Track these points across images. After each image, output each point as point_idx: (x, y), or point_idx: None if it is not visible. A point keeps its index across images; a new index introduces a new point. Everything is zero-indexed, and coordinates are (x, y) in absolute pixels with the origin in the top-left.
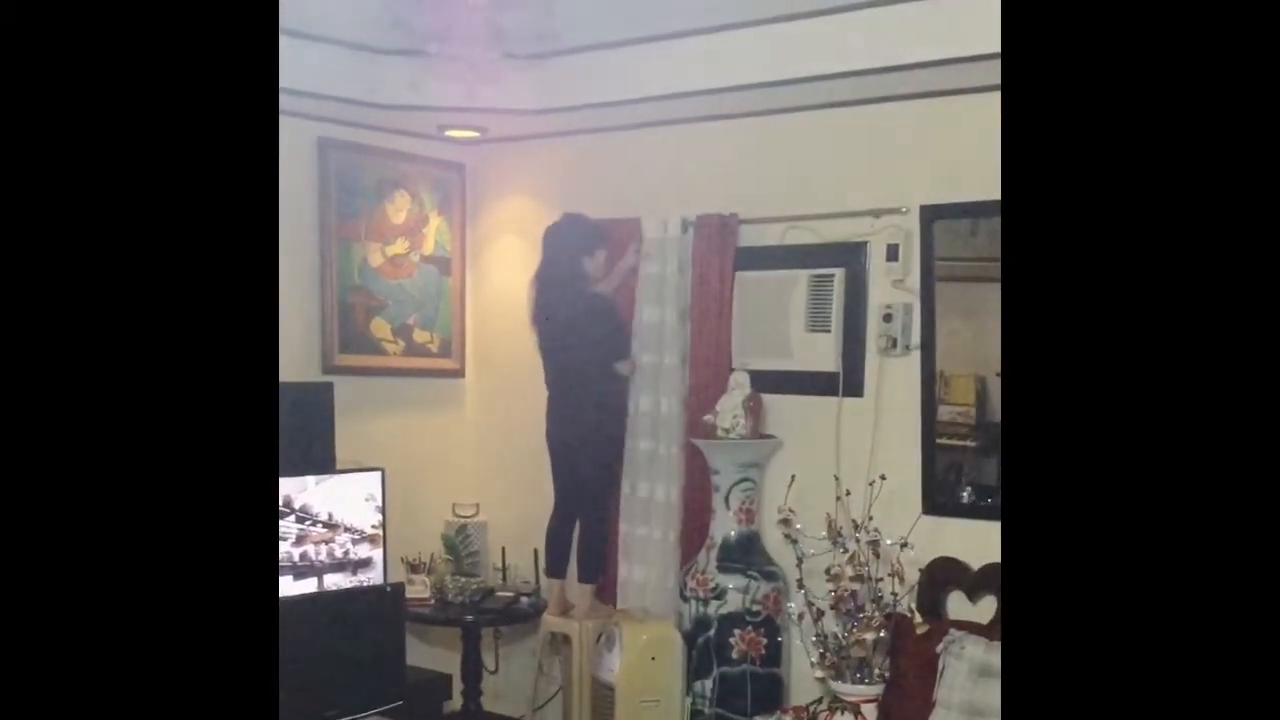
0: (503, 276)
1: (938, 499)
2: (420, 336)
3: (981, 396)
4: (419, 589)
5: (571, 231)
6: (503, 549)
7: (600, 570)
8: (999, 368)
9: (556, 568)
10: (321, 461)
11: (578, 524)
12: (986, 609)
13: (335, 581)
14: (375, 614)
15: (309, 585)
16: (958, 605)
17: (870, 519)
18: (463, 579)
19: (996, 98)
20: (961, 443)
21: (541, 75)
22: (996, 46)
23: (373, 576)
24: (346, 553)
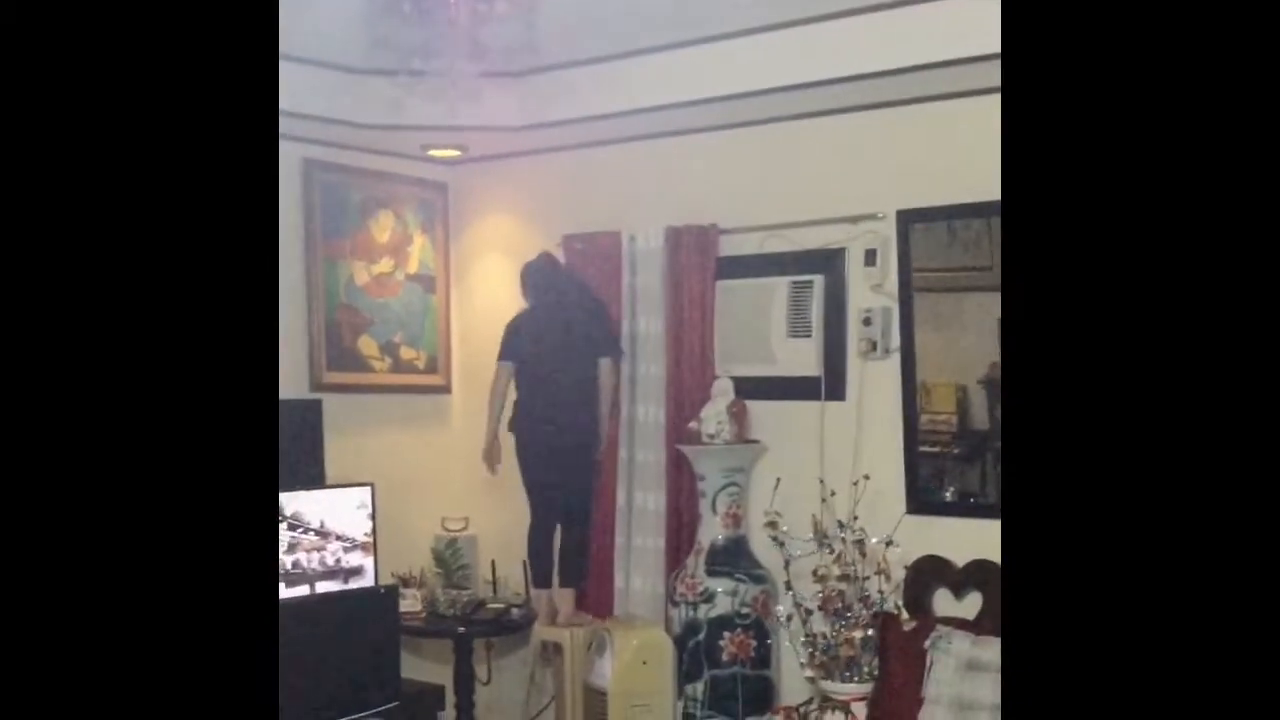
0: (487, 294)
1: (921, 498)
2: (407, 354)
3: (963, 405)
4: (410, 602)
5: (548, 267)
6: (492, 561)
7: (582, 575)
8: (979, 375)
9: (542, 578)
10: (311, 478)
11: (558, 530)
12: (972, 605)
13: (327, 589)
14: (369, 616)
15: (301, 591)
16: (943, 602)
17: (856, 519)
18: (453, 592)
19: (969, 103)
20: (944, 450)
21: (522, 92)
22: (968, 52)
23: (364, 584)
24: (338, 560)
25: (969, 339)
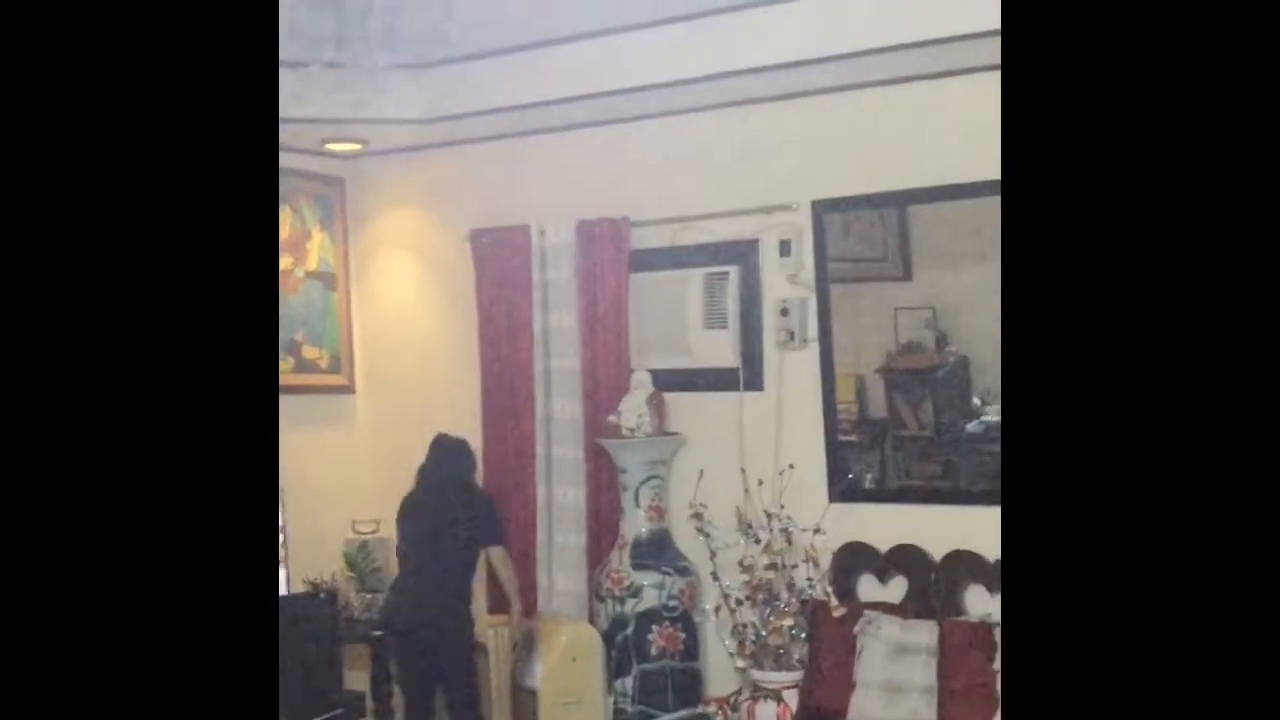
0: (389, 291)
1: (841, 486)
2: (309, 353)
3: (861, 395)
4: None
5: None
6: None
7: None
8: (876, 365)
9: None
10: None
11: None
12: (897, 589)
13: None
14: (308, 622)
15: None
16: (868, 588)
17: (782, 508)
18: (368, 595)
19: (880, 92)
20: (847, 438)
21: (428, 84)
22: (881, 41)
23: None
24: None
25: (866, 329)
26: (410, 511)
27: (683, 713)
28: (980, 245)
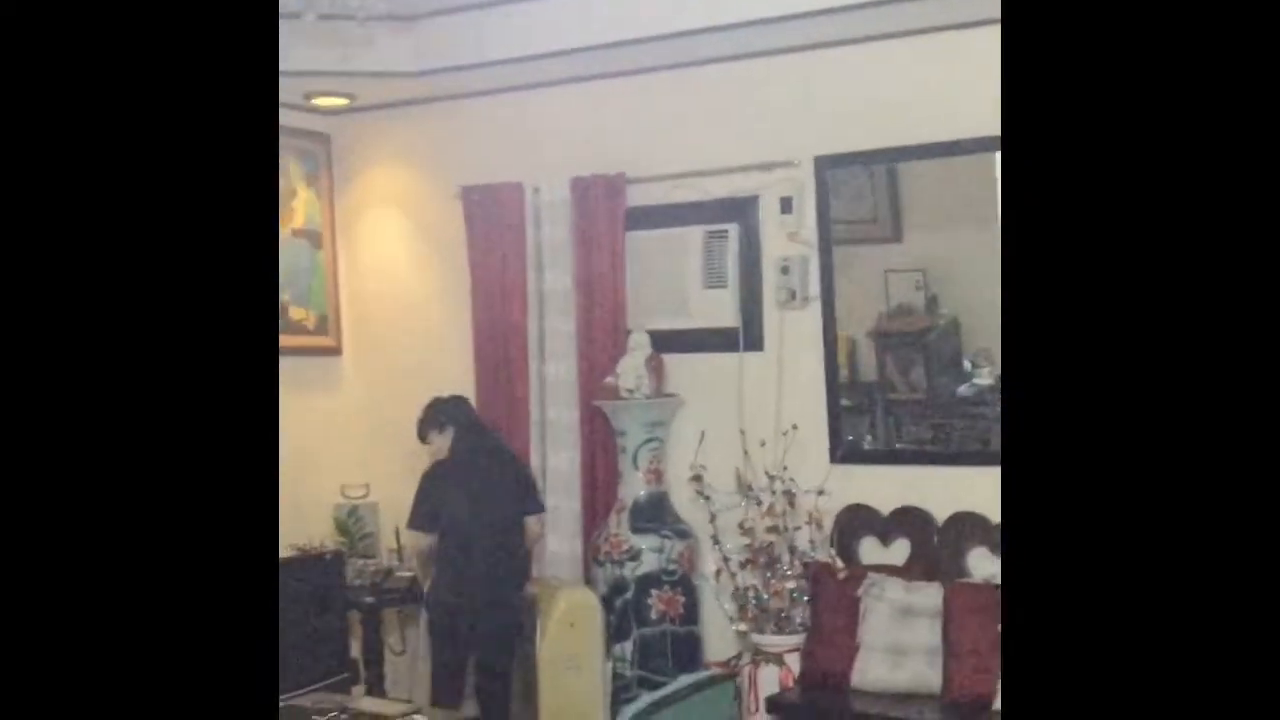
0: (377, 249)
1: (842, 449)
2: (296, 313)
3: (853, 357)
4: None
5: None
6: (396, 529)
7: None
8: (868, 327)
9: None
10: None
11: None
12: (899, 551)
13: None
14: (313, 585)
15: None
16: (870, 550)
17: (785, 469)
18: (360, 561)
19: (884, 46)
20: (841, 402)
21: (417, 36)
22: None
23: None
24: None
25: (856, 291)
26: (449, 479)
27: (699, 674)
28: (973, 205)
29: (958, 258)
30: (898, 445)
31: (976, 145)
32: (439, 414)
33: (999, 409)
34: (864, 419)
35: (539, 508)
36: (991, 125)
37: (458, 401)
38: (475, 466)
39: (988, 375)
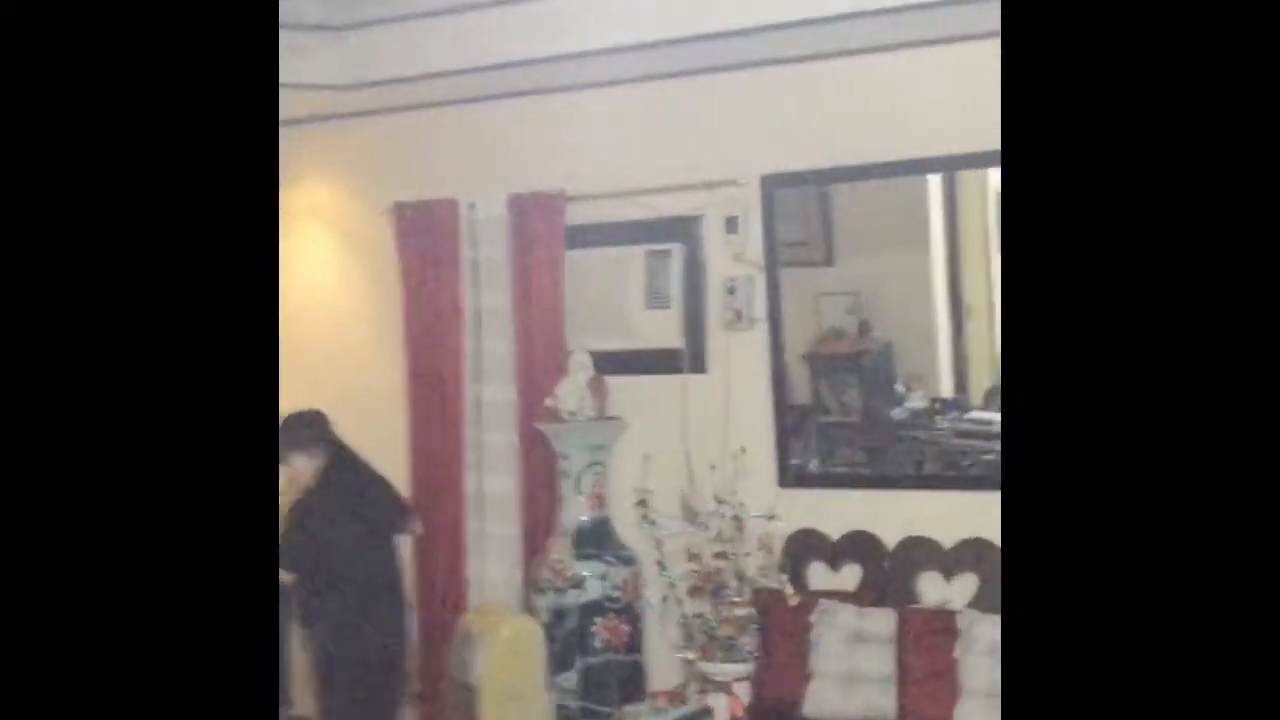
0: (306, 268)
1: (790, 473)
2: None
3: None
4: None
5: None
6: None
7: None
8: (801, 351)
9: None
10: None
11: None
12: (850, 577)
13: None
14: None
15: None
16: (819, 575)
17: (735, 493)
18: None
19: (833, 64)
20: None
21: (346, 48)
22: (827, 10)
23: None
24: None
25: (790, 315)
26: (311, 517)
27: (630, 708)
28: (907, 229)
29: (891, 281)
30: (830, 469)
31: (913, 167)
32: (304, 432)
33: (933, 433)
34: (799, 440)
35: (410, 525)
36: (927, 147)
37: (319, 418)
38: (359, 495)
39: (920, 399)
